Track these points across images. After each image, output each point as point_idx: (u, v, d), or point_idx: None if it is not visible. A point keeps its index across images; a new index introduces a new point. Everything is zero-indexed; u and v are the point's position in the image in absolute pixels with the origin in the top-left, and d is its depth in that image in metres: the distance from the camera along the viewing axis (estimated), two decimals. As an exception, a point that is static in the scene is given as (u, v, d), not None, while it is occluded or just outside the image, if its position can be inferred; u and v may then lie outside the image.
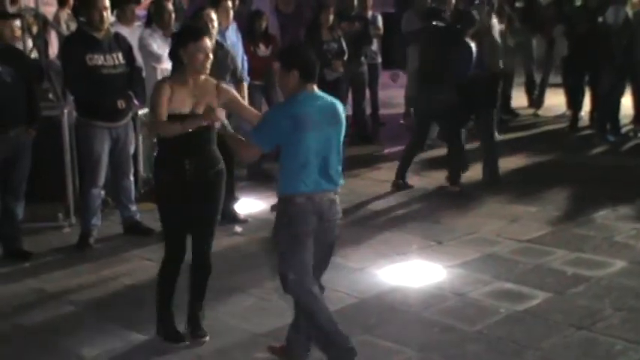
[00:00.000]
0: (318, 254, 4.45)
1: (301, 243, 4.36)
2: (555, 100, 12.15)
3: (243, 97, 6.84)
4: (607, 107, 10.59)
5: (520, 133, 10.99)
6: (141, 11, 9.20)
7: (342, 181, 4.54)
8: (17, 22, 6.76)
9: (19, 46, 7.00)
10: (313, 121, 4.30)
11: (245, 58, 8.36)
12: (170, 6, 7.80)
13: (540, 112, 12.20)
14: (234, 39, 8.01)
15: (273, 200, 7.80)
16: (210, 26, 6.77)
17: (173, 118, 4.71)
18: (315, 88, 4.41)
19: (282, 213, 4.41)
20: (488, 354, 4.80)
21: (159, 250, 6.59)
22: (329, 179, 4.45)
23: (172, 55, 4.80)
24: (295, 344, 4.68)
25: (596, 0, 10.74)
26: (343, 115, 4.51)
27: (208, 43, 4.78)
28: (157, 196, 5.00)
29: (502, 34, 10.02)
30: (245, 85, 7.10)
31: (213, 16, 6.80)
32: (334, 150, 4.46)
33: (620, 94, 10.54)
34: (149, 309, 5.21)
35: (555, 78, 11.98)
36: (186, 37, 4.74)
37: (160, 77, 7.49)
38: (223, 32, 7.56)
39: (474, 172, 8.64)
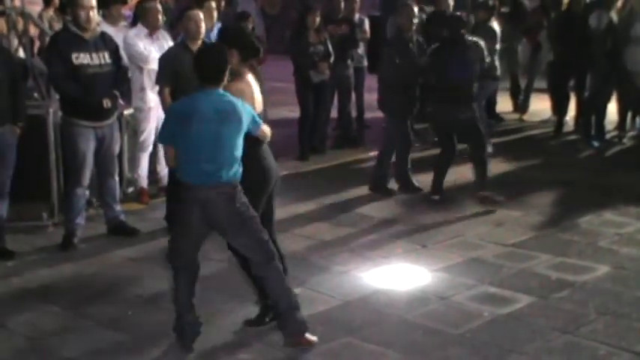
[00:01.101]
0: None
1: (182, 227, 4.78)
2: (540, 105, 12.21)
3: None
4: (591, 112, 10.65)
5: (505, 138, 11.03)
6: (126, 11, 9.19)
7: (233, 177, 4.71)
8: (2, 20, 6.74)
9: (5, 44, 6.97)
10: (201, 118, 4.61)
11: None
12: (157, 6, 7.77)
13: (525, 116, 12.25)
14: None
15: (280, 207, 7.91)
16: (198, 27, 6.78)
17: None
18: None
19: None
20: (472, 357, 4.81)
21: (142, 250, 6.62)
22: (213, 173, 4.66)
23: None
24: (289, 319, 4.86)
25: (582, 5, 10.80)
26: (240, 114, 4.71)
27: None
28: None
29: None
30: None
31: (201, 16, 6.80)
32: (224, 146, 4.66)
33: (606, 99, 10.58)
34: (132, 308, 5.21)
35: (540, 83, 12.03)
36: None
37: (146, 78, 7.52)
38: (208, 33, 7.56)
39: (458, 176, 8.66)
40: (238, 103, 4.72)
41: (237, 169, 4.72)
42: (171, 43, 7.54)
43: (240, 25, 5.65)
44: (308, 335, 4.89)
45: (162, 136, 4.88)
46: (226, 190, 4.69)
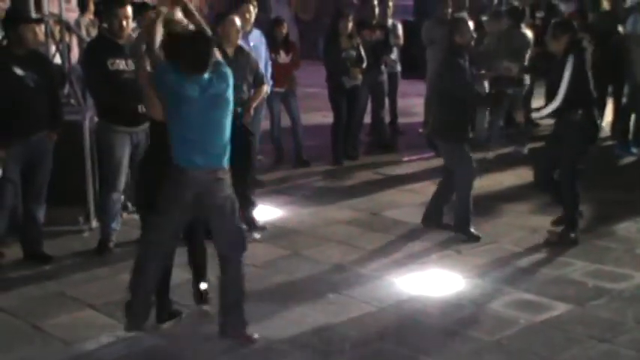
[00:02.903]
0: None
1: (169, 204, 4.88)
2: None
3: (258, 99, 6.89)
4: (629, 118, 10.50)
5: (541, 143, 10.90)
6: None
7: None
8: (40, 27, 6.81)
9: (43, 51, 7.05)
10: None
11: (269, 62, 8.41)
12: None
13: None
14: (257, 42, 8.05)
15: (291, 207, 7.92)
16: (238, 32, 6.82)
17: None
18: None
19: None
20: (508, 365, 4.78)
21: (177, 255, 6.63)
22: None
23: None
24: None
25: (622, 9, 10.67)
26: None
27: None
28: None
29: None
30: (264, 87, 7.09)
31: (237, 21, 6.83)
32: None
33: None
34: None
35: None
36: None
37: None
38: (246, 35, 7.60)
39: (494, 181, 8.61)
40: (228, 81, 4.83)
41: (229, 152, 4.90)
42: None
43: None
44: (248, 332, 5.02)
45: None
46: (221, 175, 4.83)
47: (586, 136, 6.90)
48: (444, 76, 7.11)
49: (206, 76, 4.74)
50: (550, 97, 6.95)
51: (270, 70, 8.46)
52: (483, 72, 8.44)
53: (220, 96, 4.78)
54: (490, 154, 9.76)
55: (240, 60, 6.85)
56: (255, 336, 5.03)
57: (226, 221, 4.94)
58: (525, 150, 9.84)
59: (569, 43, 6.86)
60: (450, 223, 7.16)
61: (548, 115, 6.99)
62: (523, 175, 8.56)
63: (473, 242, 6.86)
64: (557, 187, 6.99)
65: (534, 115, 7.49)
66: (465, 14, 7.80)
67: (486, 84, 9.12)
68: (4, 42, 6.45)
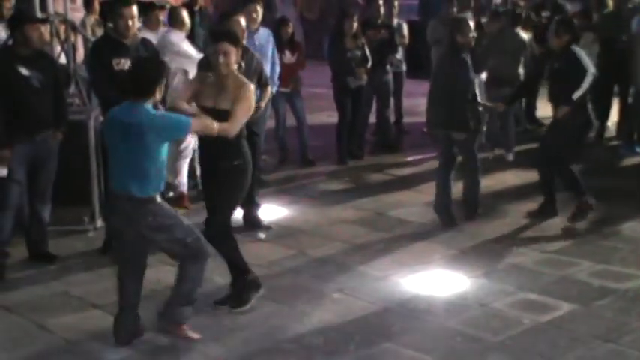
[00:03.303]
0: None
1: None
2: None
3: (265, 101, 6.90)
4: (634, 118, 10.49)
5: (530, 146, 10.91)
6: (165, 18, 9.29)
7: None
8: (46, 27, 6.82)
9: (48, 51, 7.06)
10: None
11: (277, 62, 8.40)
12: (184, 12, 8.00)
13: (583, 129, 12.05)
14: (263, 42, 8.05)
15: (296, 207, 7.93)
16: (243, 31, 6.83)
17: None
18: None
19: None
20: (512, 365, 4.77)
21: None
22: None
23: None
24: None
25: (627, 9, 10.65)
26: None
27: None
28: None
29: (528, 43, 9.98)
30: (269, 89, 7.12)
31: (242, 21, 6.83)
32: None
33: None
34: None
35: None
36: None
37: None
38: (252, 35, 7.60)
39: (497, 181, 8.61)
40: (149, 115, 4.74)
41: (149, 182, 4.79)
42: None
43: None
44: (186, 329, 5.08)
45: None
46: (140, 202, 4.81)
47: (581, 127, 7.37)
48: (449, 74, 7.21)
49: None
50: (554, 96, 7.09)
51: (278, 70, 8.46)
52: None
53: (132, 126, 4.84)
54: (510, 156, 9.74)
55: (248, 60, 6.84)
56: (196, 336, 5.08)
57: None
58: (511, 157, 9.80)
59: (568, 42, 7.19)
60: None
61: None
62: (526, 175, 8.55)
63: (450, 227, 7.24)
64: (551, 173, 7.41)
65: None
66: (468, 14, 7.82)
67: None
68: (10, 42, 6.47)
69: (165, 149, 4.83)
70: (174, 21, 8.17)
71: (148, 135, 4.69)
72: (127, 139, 4.73)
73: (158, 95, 4.83)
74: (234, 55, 5.30)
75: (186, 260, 5.00)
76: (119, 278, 5.09)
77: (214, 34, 5.64)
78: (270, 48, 8.32)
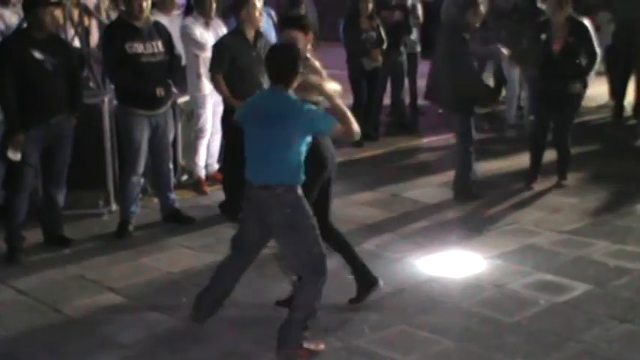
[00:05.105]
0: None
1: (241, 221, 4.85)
2: (598, 90, 11.94)
3: None
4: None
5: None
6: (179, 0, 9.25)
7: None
8: (59, 10, 6.81)
9: (61, 34, 7.05)
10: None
11: None
12: None
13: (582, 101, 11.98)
14: (265, 26, 8.02)
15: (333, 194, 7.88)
16: (260, 14, 6.81)
17: None
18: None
19: None
20: (528, 345, 4.75)
21: (197, 238, 6.67)
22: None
23: None
24: None
25: None
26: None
27: None
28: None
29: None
30: None
31: (259, 3, 6.82)
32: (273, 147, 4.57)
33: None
34: (187, 296, 5.23)
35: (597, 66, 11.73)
36: None
37: (202, 65, 7.55)
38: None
39: (512, 163, 8.55)
40: (296, 105, 4.54)
41: (293, 171, 4.57)
42: (225, 31, 7.58)
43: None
44: (308, 344, 4.70)
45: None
46: (277, 192, 4.56)
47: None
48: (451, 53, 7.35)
49: None
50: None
51: None
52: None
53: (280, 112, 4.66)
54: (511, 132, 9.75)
55: (260, 44, 6.84)
56: (320, 347, 4.75)
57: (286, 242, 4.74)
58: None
59: (569, 18, 7.43)
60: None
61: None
62: (544, 156, 8.48)
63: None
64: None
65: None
66: None
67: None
68: (24, 25, 6.46)
69: (306, 141, 4.59)
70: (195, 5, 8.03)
71: (293, 123, 4.50)
72: (271, 126, 4.51)
73: (295, 83, 4.61)
74: (302, 42, 5.13)
75: (305, 273, 4.65)
76: (223, 264, 4.96)
77: (283, 20, 5.48)
78: (272, 31, 8.31)
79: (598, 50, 7.45)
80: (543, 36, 7.47)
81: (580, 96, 7.62)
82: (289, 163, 4.55)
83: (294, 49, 4.72)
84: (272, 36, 8.24)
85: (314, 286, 4.60)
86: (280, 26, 5.65)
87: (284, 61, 4.59)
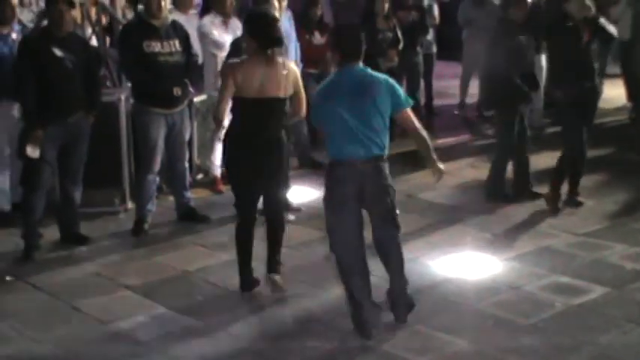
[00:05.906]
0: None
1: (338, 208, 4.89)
2: (614, 92, 11.89)
3: None
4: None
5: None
6: (197, -1, 9.28)
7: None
8: (77, 10, 6.84)
9: (79, 33, 7.08)
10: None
11: (298, 45, 8.39)
12: None
13: (599, 103, 11.91)
14: (287, 26, 8.02)
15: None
16: (273, 9, 6.82)
17: None
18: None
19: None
20: (543, 348, 4.73)
21: (212, 236, 6.69)
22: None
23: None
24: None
25: None
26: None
27: None
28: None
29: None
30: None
31: (276, 2, 6.84)
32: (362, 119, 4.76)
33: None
34: (202, 295, 5.25)
35: (613, 68, 11.68)
36: None
37: (219, 65, 7.55)
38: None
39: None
40: (378, 76, 4.87)
41: (382, 140, 4.83)
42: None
43: (264, 12, 5.67)
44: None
45: (312, 118, 5.18)
46: (378, 163, 4.86)
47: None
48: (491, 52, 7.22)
49: None
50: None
51: (299, 52, 8.49)
52: None
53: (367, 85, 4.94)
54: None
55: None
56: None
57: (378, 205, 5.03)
58: None
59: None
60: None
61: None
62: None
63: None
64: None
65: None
66: None
67: None
68: (45, 23, 6.49)
69: (388, 113, 4.83)
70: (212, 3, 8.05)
71: (382, 90, 4.78)
72: (363, 102, 4.74)
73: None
74: None
75: (393, 229, 5.07)
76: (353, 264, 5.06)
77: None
78: (293, 32, 8.31)
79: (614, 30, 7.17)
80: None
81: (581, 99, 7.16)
82: (385, 133, 4.82)
83: (359, 27, 5.10)
84: (292, 37, 8.24)
85: (399, 241, 5.07)
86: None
87: (359, 38, 4.93)
